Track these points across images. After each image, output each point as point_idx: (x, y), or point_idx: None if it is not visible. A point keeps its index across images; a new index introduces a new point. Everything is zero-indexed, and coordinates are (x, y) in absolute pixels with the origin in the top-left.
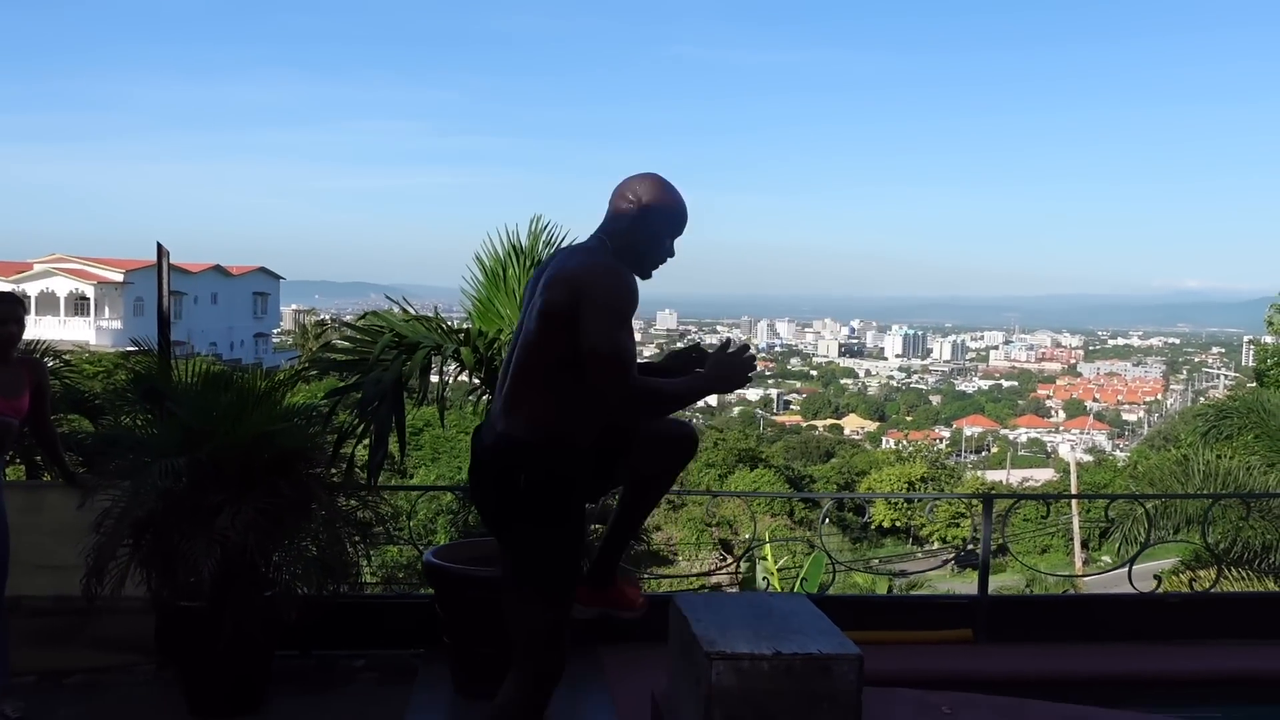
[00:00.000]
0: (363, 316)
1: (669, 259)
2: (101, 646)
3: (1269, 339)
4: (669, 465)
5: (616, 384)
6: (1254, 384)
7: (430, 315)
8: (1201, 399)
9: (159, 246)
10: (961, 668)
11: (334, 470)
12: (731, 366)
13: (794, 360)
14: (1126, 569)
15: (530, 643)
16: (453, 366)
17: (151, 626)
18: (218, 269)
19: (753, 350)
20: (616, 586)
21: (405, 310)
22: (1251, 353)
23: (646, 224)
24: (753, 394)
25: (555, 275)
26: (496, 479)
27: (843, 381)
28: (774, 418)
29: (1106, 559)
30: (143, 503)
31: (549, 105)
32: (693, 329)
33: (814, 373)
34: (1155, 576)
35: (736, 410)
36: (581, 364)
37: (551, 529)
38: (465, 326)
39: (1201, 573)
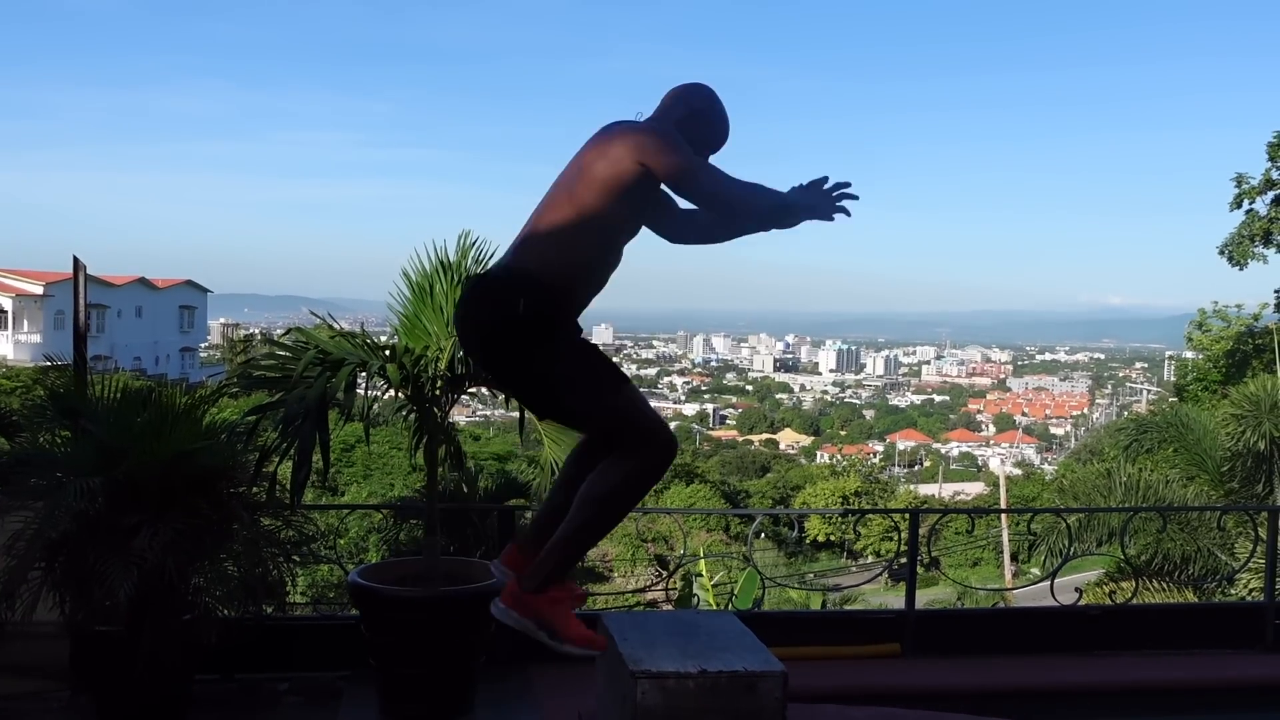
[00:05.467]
0: (287, 332)
1: None
2: (13, 673)
3: (1189, 354)
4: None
5: (703, 181)
6: (1175, 399)
7: (356, 331)
8: (1126, 413)
9: (75, 260)
10: (888, 682)
11: (256, 489)
12: (823, 196)
13: (729, 375)
14: (1050, 582)
15: (625, 434)
16: (382, 384)
17: (65, 652)
18: (142, 281)
19: (850, 188)
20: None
21: (331, 326)
22: (1173, 368)
23: (693, 128)
24: (689, 409)
25: (604, 133)
26: (495, 304)
27: (778, 396)
28: (710, 432)
29: (1035, 571)
30: (56, 524)
31: (481, 120)
32: (629, 344)
33: (749, 387)
34: (1077, 589)
35: (673, 425)
36: (600, 229)
37: (553, 345)
38: (392, 343)
39: (1123, 584)
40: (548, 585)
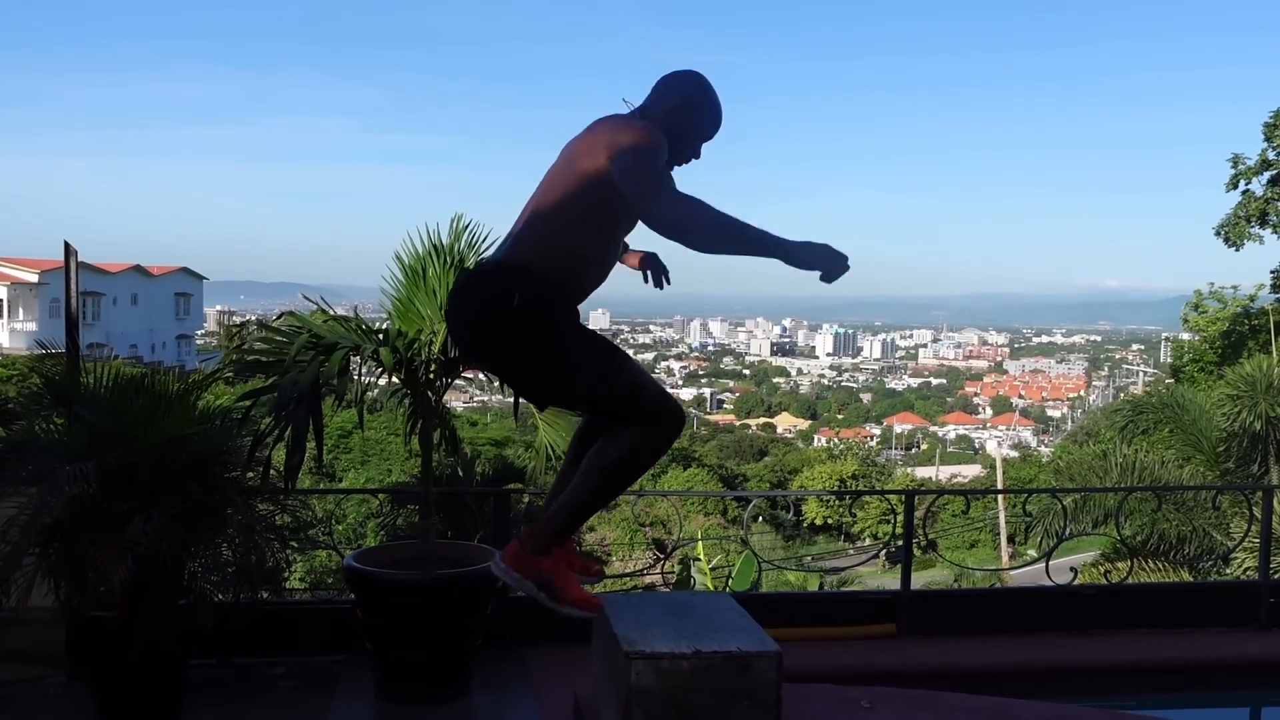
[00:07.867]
0: (279, 316)
1: (693, 160)
2: (9, 659)
3: (1185, 336)
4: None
5: (655, 193)
6: (1171, 380)
7: (350, 315)
8: (1122, 395)
9: (67, 246)
10: (884, 662)
11: (251, 474)
12: (833, 262)
13: (727, 359)
14: (1045, 562)
15: (632, 411)
16: (376, 369)
17: (61, 638)
18: (138, 269)
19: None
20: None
21: (324, 310)
22: (1169, 349)
23: (684, 116)
24: (686, 393)
25: (588, 130)
26: (488, 297)
27: (775, 380)
28: (707, 416)
29: (1032, 553)
30: (50, 510)
31: (475, 103)
32: (625, 329)
33: (747, 371)
34: (1072, 569)
35: None
36: (593, 222)
37: (549, 333)
38: (386, 327)
39: (1119, 564)
40: (550, 547)
